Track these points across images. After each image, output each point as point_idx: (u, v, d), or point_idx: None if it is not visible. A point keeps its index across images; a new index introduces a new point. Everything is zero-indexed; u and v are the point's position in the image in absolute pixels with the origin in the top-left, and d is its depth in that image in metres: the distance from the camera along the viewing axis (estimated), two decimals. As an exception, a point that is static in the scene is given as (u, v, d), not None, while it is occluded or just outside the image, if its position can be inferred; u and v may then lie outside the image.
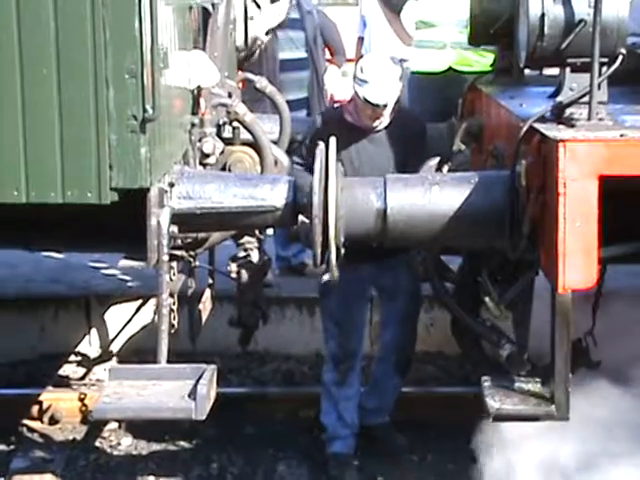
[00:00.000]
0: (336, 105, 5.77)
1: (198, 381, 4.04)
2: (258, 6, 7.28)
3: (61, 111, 3.90)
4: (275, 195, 4.49)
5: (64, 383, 7.14)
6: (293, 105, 6.34)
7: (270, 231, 6.82)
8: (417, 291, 6.02)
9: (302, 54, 7.51)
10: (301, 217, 4.49)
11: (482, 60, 6.94)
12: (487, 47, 6.19)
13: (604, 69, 4.13)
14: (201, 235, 4.79)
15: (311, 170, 4.43)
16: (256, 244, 5.37)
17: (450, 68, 7.21)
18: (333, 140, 4.43)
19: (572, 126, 4.14)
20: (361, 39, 8.97)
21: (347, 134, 5.41)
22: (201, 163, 4.87)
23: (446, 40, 7.18)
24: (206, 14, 5.13)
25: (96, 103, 3.90)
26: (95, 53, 3.86)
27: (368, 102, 5.37)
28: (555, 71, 4.78)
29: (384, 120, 5.53)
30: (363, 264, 5.58)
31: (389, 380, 6.13)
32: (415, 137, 5.62)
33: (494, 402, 4.21)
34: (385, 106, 5.40)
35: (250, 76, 5.87)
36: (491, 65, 5.91)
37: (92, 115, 3.91)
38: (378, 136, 5.59)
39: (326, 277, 5.78)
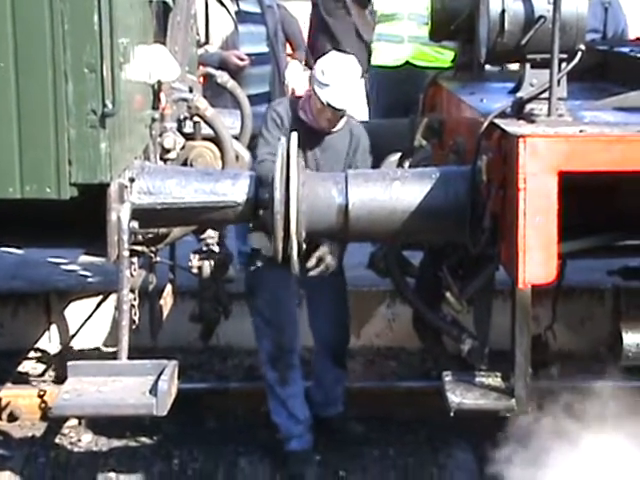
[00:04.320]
0: (292, 98, 5.69)
1: (159, 377, 4.02)
2: (221, 3, 7.27)
3: (19, 106, 3.87)
4: (236, 190, 4.48)
5: (23, 380, 7.08)
6: (254, 100, 6.32)
7: (231, 226, 6.81)
8: (343, 283, 6.00)
9: (264, 48, 7.49)
10: (262, 212, 4.48)
11: (440, 56, 6.97)
12: (446, 43, 6.21)
13: (564, 65, 4.15)
14: (162, 230, 4.77)
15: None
16: (217, 239, 5.35)
17: (407, 62, 7.23)
18: (295, 135, 4.42)
19: (532, 122, 4.17)
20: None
21: (301, 132, 5.36)
22: (162, 158, 4.85)
23: (404, 34, 7.20)
24: (166, 8, 5.10)
25: (55, 98, 3.87)
26: (54, 47, 3.83)
27: (330, 106, 5.32)
28: (516, 67, 4.81)
29: (341, 122, 5.50)
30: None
31: (329, 373, 6.11)
32: (360, 152, 5.55)
33: (455, 397, 4.23)
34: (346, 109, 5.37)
35: (211, 71, 5.85)
36: (452, 61, 5.93)
37: (51, 110, 3.88)
38: (327, 140, 5.53)
39: (251, 272, 5.75)
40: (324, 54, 5.46)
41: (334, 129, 5.50)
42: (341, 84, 5.24)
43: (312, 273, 5.26)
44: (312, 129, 5.48)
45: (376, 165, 5.48)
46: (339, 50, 6.09)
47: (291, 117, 5.47)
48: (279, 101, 5.76)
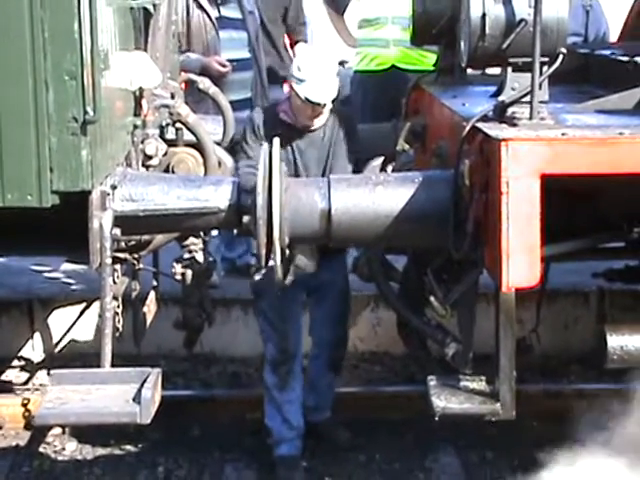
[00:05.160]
0: (270, 103, 5.67)
1: (143, 385, 4.00)
2: (202, 9, 7.26)
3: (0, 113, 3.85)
4: (219, 196, 4.47)
5: (7, 388, 7.05)
6: (236, 105, 6.31)
7: (215, 232, 6.80)
8: (346, 290, 6.04)
9: (245, 54, 7.48)
10: (245, 218, 4.47)
11: (425, 59, 6.97)
12: (429, 47, 6.21)
13: (545, 68, 4.16)
14: (145, 237, 4.75)
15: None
16: (201, 246, 5.34)
17: (393, 66, 7.23)
18: (277, 140, 4.41)
19: (514, 125, 4.17)
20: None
21: (284, 134, 5.36)
22: (144, 165, 4.84)
23: (389, 38, 7.20)
24: (147, 14, 5.09)
25: (35, 105, 3.85)
26: (34, 55, 3.81)
27: (309, 101, 5.33)
28: (497, 70, 4.81)
29: (322, 118, 5.50)
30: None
31: (323, 378, 6.15)
32: (343, 133, 5.56)
33: (439, 401, 4.22)
34: (325, 104, 5.37)
35: (193, 77, 5.84)
36: (434, 65, 5.93)
37: (32, 117, 3.86)
38: (310, 136, 5.54)
39: (257, 278, 5.79)
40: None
41: (316, 126, 5.51)
42: (318, 78, 5.26)
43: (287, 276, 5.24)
44: (294, 128, 5.49)
45: (359, 170, 5.47)
46: None
47: (271, 122, 5.47)
48: (256, 110, 5.76)
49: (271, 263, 4.42)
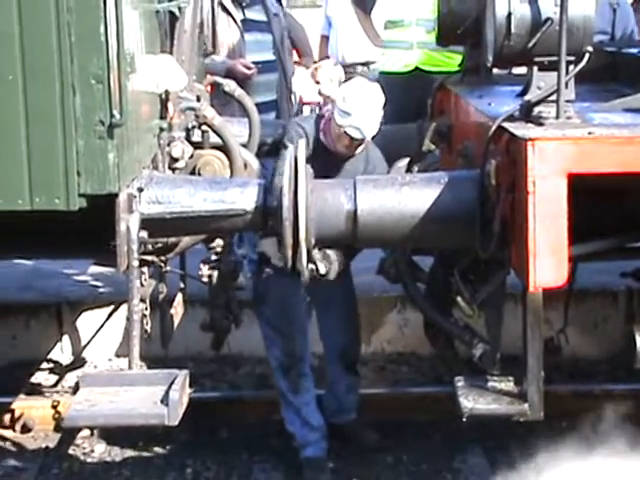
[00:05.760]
0: (313, 115, 5.64)
1: (170, 386, 4.01)
2: (227, 12, 7.28)
3: (27, 117, 3.87)
4: (245, 198, 4.47)
5: (36, 391, 7.09)
6: (262, 108, 6.32)
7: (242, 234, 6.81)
8: (353, 294, 6.03)
9: (270, 56, 7.49)
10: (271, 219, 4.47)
11: (450, 61, 6.95)
12: (454, 48, 6.20)
13: (571, 67, 4.14)
14: (171, 240, 4.76)
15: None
16: (227, 247, 5.35)
17: (417, 68, 7.21)
18: (302, 142, 4.42)
19: (540, 124, 4.15)
20: (325, 38, 8.97)
21: (319, 153, 5.36)
22: (170, 167, 4.85)
23: (413, 40, 7.18)
24: (173, 18, 5.11)
25: (62, 109, 3.87)
26: (61, 59, 3.82)
27: (348, 135, 5.32)
28: (523, 70, 4.80)
29: (359, 148, 5.50)
30: None
31: (342, 381, 6.14)
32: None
33: (467, 402, 4.21)
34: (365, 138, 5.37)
35: (218, 79, 5.85)
36: (459, 65, 5.92)
37: (59, 121, 3.87)
38: (343, 164, 5.54)
39: (258, 281, 5.75)
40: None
41: (351, 153, 5.51)
42: (362, 113, 5.25)
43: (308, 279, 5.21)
44: (330, 151, 5.50)
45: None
46: None
47: (314, 137, 5.48)
48: (305, 117, 5.78)
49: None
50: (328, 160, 5.44)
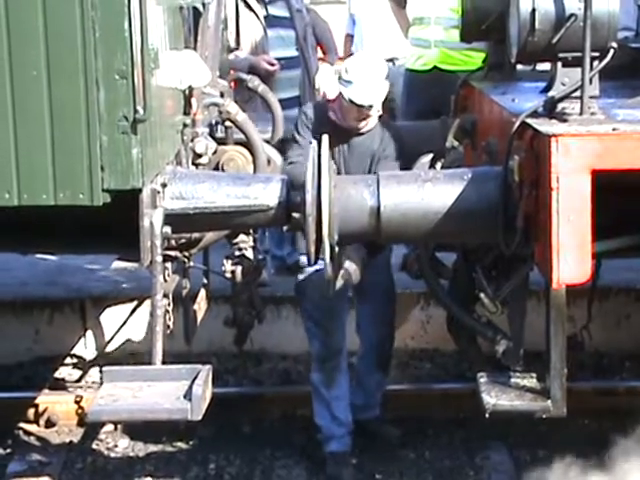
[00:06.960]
0: (323, 100, 5.68)
1: (193, 382, 4.03)
2: (250, 8, 7.29)
3: (52, 113, 3.89)
4: (268, 194, 4.48)
5: (60, 386, 7.12)
6: (285, 104, 6.32)
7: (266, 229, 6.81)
8: (392, 289, 6.05)
9: (293, 52, 7.50)
10: (294, 215, 4.48)
11: (467, 59, 6.92)
12: (474, 45, 6.17)
13: (595, 63, 4.12)
14: (195, 235, 4.77)
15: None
16: (250, 243, 5.36)
17: (435, 67, 7.19)
18: (326, 137, 4.42)
19: (564, 121, 4.14)
20: (350, 37, 8.97)
21: (331, 133, 5.34)
22: (194, 163, 4.86)
23: (431, 39, 7.16)
24: (197, 14, 5.12)
25: (87, 104, 3.89)
26: (85, 54, 3.84)
27: (353, 103, 5.34)
28: (547, 66, 4.78)
29: (370, 122, 5.50)
30: None
31: (371, 376, 6.16)
32: (388, 158, 5.51)
33: (490, 398, 4.21)
34: (371, 107, 5.37)
35: (242, 75, 5.87)
36: (483, 61, 5.90)
37: (83, 116, 3.89)
38: (356, 140, 5.53)
39: (301, 277, 5.81)
40: None
41: (364, 130, 5.50)
42: (364, 81, 5.26)
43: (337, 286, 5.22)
44: (342, 128, 5.50)
45: (408, 167, 5.46)
46: None
47: (321, 118, 5.49)
48: (310, 104, 5.79)
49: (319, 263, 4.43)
50: (340, 136, 5.42)
